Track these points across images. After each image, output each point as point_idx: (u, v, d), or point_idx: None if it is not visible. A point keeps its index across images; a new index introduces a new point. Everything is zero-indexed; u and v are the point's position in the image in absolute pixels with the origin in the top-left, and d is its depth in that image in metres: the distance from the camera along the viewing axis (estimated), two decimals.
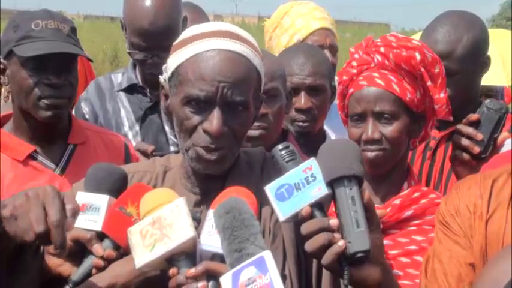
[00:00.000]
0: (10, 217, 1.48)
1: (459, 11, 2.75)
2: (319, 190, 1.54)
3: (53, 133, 2.44)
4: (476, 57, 2.61)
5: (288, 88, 2.60)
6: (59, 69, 2.32)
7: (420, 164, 2.64)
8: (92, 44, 16.77)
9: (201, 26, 1.77)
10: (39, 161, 2.41)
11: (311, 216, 1.53)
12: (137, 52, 2.83)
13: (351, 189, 1.53)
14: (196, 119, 1.69)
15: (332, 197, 1.56)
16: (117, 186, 1.74)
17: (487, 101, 2.30)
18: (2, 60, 2.38)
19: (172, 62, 1.75)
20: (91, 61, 2.88)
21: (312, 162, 1.56)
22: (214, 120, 1.67)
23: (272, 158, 1.64)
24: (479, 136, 2.26)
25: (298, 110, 2.66)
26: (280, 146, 1.62)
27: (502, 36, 6.01)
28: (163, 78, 1.79)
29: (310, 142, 2.50)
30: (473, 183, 1.79)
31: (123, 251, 1.65)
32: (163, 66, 1.79)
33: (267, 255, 1.47)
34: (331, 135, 2.96)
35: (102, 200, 1.70)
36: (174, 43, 1.79)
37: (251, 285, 1.45)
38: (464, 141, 2.29)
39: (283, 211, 1.54)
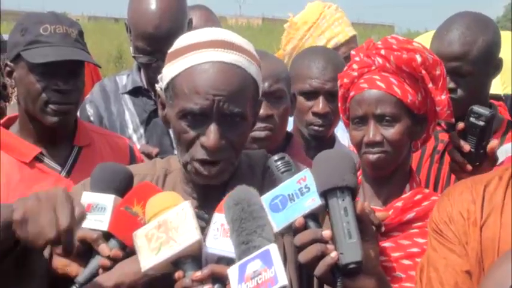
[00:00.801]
0: (21, 220, 1.48)
1: (472, 13, 2.74)
2: (312, 201, 1.54)
3: (58, 135, 2.45)
4: (489, 59, 2.61)
5: (305, 91, 2.62)
6: (67, 74, 2.33)
7: (428, 167, 2.64)
8: (96, 45, 16.76)
9: (194, 34, 1.76)
10: (45, 163, 2.42)
11: (305, 227, 1.54)
12: (142, 56, 2.83)
13: (343, 200, 1.53)
14: (192, 133, 1.69)
15: (326, 208, 1.56)
16: (123, 186, 1.74)
17: (473, 107, 2.28)
18: (9, 63, 2.39)
19: (167, 72, 1.73)
20: (99, 67, 2.87)
21: (306, 173, 1.57)
22: (211, 134, 1.66)
23: (268, 169, 1.65)
24: (466, 147, 2.25)
25: (315, 114, 2.65)
26: (275, 157, 1.63)
27: (502, 39, 5.97)
28: (159, 87, 1.78)
29: (321, 146, 2.51)
30: (465, 189, 1.78)
31: (129, 250, 1.66)
32: (159, 76, 1.78)
33: (273, 248, 1.48)
34: (343, 138, 2.98)
35: (108, 200, 1.70)
36: (169, 51, 1.77)
37: (256, 278, 1.46)
38: (457, 156, 2.29)
39: (277, 222, 1.55)
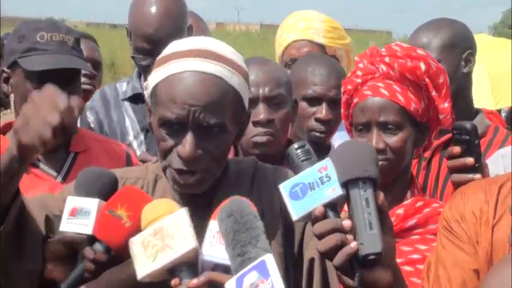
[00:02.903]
0: (22, 124, 1.53)
1: (445, 17, 2.87)
2: (333, 191, 1.53)
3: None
4: (456, 49, 2.68)
5: (308, 96, 2.62)
6: (63, 82, 2.32)
7: (415, 173, 2.62)
8: None
9: (180, 43, 1.76)
10: (41, 168, 2.41)
11: (324, 216, 1.53)
12: (141, 56, 2.84)
13: (365, 191, 1.52)
14: (170, 141, 1.69)
15: (346, 198, 1.55)
16: (107, 190, 1.74)
17: (453, 124, 2.22)
18: (6, 70, 2.39)
19: (151, 80, 1.74)
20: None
21: (327, 162, 1.56)
22: (187, 144, 1.65)
23: (288, 157, 1.63)
24: (470, 162, 2.15)
25: (318, 120, 2.65)
26: (296, 145, 1.62)
27: (498, 47, 5.95)
28: (146, 93, 1.78)
29: (318, 154, 2.52)
30: (479, 189, 1.78)
31: (114, 253, 1.66)
32: (144, 83, 1.78)
33: (269, 258, 1.46)
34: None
35: (92, 204, 1.70)
36: (157, 58, 1.77)
37: None
38: (464, 177, 2.18)
39: (296, 210, 1.53)
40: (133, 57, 2.91)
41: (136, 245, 1.56)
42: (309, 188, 1.53)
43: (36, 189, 2.34)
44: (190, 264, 1.55)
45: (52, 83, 2.27)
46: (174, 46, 1.75)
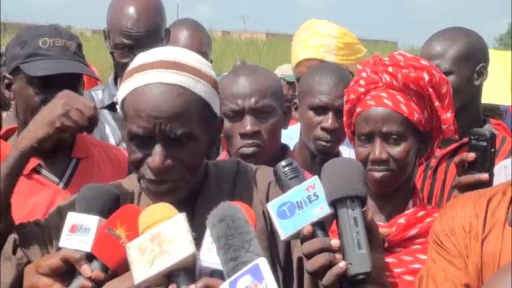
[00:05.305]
0: (65, 112, 1.94)
1: (459, 26, 2.85)
2: (321, 209, 1.53)
3: (56, 147, 2.44)
4: (470, 61, 2.66)
5: (315, 105, 2.62)
6: (65, 87, 2.32)
7: (421, 183, 2.63)
8: (99, 58, 16.82)
9: (144, 55, 1.77)
10: (43, 174, 2.41)
11: (312, 235, 1.52)
12: (120, 52, 2.88)
13: (353, 209, 1.52)
14: (140, 154, 1.71)
15: (334, 217, 1.54)
16: (108, 207, 1.74)
17: (472, 130, 2.22)
18: (8, 75, 2.39)
19: (119, 94, 1.76)
20: (98, 80, 2.86)
21: (315, 181, 1.56)
22: (156, 156, 1.67)
23: (275, 175, 1.63)
24: (485, 177, 2.13)
25: (324, 129, 2.65)
26: (283, 163, 1.61)
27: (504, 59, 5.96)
28: (118, 107, 1.80)
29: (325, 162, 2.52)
30: (468, 202, 1.78)
31: (111, 272, 1.65)
32: (114, 98, 1.80)
33: (262, 262, 1.46)
34: (344, 154, 2.96)
35: (92, 221, 1.71)
36: (125, 72, 1.78)
37: None
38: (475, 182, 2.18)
39: (284, 229, 1.53)
40: (112, 53, 2.94)
41: (133, 250, 1.56)
42: (296, 207, 1.53)
43: (38, 195, 2.35)
44: (188, 270, 1.54)
45: (54, 88, 2.30)
46: (139, 59, 1.76)
